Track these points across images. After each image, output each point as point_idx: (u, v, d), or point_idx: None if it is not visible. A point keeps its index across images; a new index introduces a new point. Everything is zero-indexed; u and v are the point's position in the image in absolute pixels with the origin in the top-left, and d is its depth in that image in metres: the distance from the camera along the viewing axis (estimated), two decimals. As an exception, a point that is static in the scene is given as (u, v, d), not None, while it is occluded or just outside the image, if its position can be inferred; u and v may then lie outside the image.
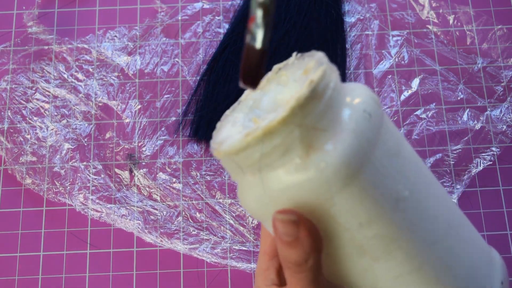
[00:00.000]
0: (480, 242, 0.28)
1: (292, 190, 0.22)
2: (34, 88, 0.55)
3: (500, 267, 0.27)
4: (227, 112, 0.26)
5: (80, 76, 0.55)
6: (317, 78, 0.22)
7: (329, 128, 0.22)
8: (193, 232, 0.50)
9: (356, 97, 0.23)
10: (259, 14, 0.21)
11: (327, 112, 0.22)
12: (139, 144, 0.53)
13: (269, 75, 0.26)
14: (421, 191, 0.24)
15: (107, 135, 0.54)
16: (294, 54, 0.26)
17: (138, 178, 0.52)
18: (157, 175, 0.52)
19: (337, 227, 0.23)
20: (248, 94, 0.26)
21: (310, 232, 0.23)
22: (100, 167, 0.52)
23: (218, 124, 0.26)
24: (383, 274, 0.24)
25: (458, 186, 0.51)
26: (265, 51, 0.21)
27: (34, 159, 0.53)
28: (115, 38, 0.57)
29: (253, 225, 0.51)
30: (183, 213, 0.51)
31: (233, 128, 0.24)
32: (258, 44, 0.21)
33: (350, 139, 0.22)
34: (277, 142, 0.22)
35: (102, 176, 0.52)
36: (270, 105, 0.24)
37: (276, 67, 0.26)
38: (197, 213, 0.51)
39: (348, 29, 0.57)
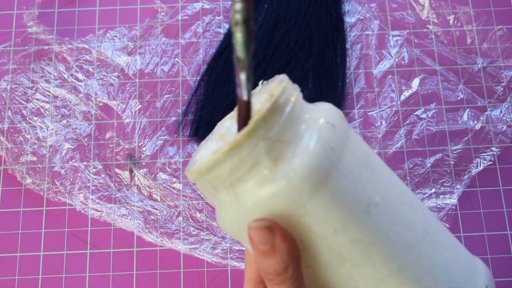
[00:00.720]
0: (461, 249, 0.28)
1: (265, 202, 0.23)
2: (34, 88, 0.55)
3: (485, 272, 0.28)
4: (202, 142, 0.27)
5: (80, 76, 0.56)
6: (278, 92, 0.23)
7: (294, 140, 0.23)
8: (193, 232, 0.50)
9: (320, 111, 0.25)
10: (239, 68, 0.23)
11: (290, 125, 0.23)
12: (139, 144, 0.53)
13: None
14: (393, 198, 0.25)
15: (107, 135, 0.54)
16: (260, 82, 0.27)
17: (138, 178, 0.52)
18: (157, 175, 0.52)
19: (313, 236, 0.24)
20: (220, 125, 0.28)
21: (286, 239, 0.23)
22: (100, 167, 0.52)
23: (193, 154, 0.27)
24: (364, 280, 0.25)
25: (458, 186, 0.51)
26: (250, 101, 0.23)
27: (34, 159, 0.53)
28: (115, 38, 0.57)
29: (253, 225, 0.51)
30: (183, 213, 0.51)
31: (204, 152, 0.25)
32: (245, 97, 0.23)
33: (315, 147, 0.23)
34: (244, 155, 0.22)
35: (102, 176, 0.52)
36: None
37: None
38: (197, 213, 0.51)
39: (348, 29, 0.57)
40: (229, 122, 0.27)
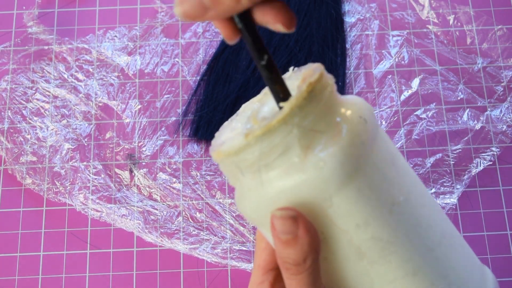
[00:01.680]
0: (472, 255, 0.28)
1: (290, 190, 0.23)
2: (34, 88, 0.55)
3: (492, 279, 0.28)
4: (225, 123, 0.27)
5: (80, 76, 0.56)
6: (315, 80, 0.23)
7: (327, 130, 0.23)
8: (193, 232, 0.50)
9: (353, 104, 0.25)
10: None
11: (325, 115, 0.23)
12: (139, 144, 0.53)
13: (267, 89, 0.27)
14: (416, 199, 0.25)
15: (107, 135, 0.54)
16: (291, 68, 0.27)
17: (138, 178, 0.52)
18: (157, 175, 0.52)
19: (335, 229, 0.23)
20: (246, 106, 0.27)
21: (309, 230, 0.23)
22: (100, 167, 0.52)
23: (217, 134, 0.26)
24: (379, 278, 0.25)
25: (458, 186, 0.51)
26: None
27: (34, 159, 0.53)
28: (115, 38, 0.57)
29: (253, 225, 0.51)
30: (183, 213, 0.51)
31: (232, 133, 0.25)
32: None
33: (346, 140, 0.22)
34: (276, 142, 0.22)
35: (102, 176, 0.52)
36: (265, 114, 0.25)
37: None
38: (197, 213, 0.51)
39: (348, 29, 0.57)
40: (256, 104, 0.27)
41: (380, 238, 0.23)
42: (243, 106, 0.27)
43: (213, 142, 0.26)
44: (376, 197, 0.23)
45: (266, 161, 0.23)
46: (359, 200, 0.23)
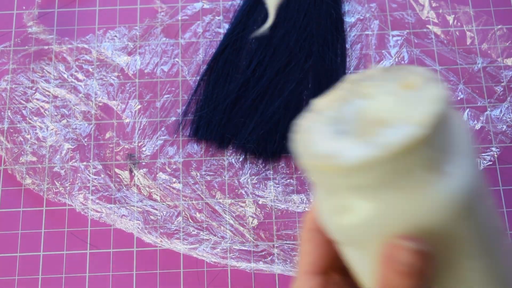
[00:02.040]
0: None
1: (409, 215, 0.21)
2: (34, 88, 0.55)
3: None
4: (301, 121, 0.24)
5: (80, 76, 0.56)
6: (446, 96, 0.21)
7: (449, 151, 0.21)
8: (193, 232, 0.50)
9: (462, 121, 0.23)
10: None
11: (448, 135, 0.21)
12: (139, 144, 0.53)
13: (343, 85, 0.25)
14: (501, 224, 0.25)
15: (107, 135, 0.54)
16: (373, 65, 0.25)
17: (138, 178, 0.52)
18: (157, 175, 0.52)
19: (450, 258, 0.22)
20: (323, 105, 0.24)
21: (430, 263, 0.21)
22: (100, 167, 0.52)
23: (297, 135, 0.23)
24: None
25: (458, 186, 0.51)
26: None
27: (34, 159, 0.53)
28: (115, 38, 0.57)
29: (253, 225, 0.51)
30: (183, 213, 0.51)
31: (334, 142, 0.22)
32: None
33: (470, 163, 0.21)
34: (401, 164, 0.20)
35: (102, 176, 0.52)
36: (357, 117, 0.23)
37: (350, 78, 0.25)
38: (197, 213, 0.51)
39: (348, 29, 0.57)
40: (335, 103, 0.24)
41: (489, 273, 0.23)
42: (317, 103, 0.24)
43: (304, 147, 0.23)
44: (491, 229, 0.22)
45: (385, 181, 0.21)
46: (479, 231, 0.22)
